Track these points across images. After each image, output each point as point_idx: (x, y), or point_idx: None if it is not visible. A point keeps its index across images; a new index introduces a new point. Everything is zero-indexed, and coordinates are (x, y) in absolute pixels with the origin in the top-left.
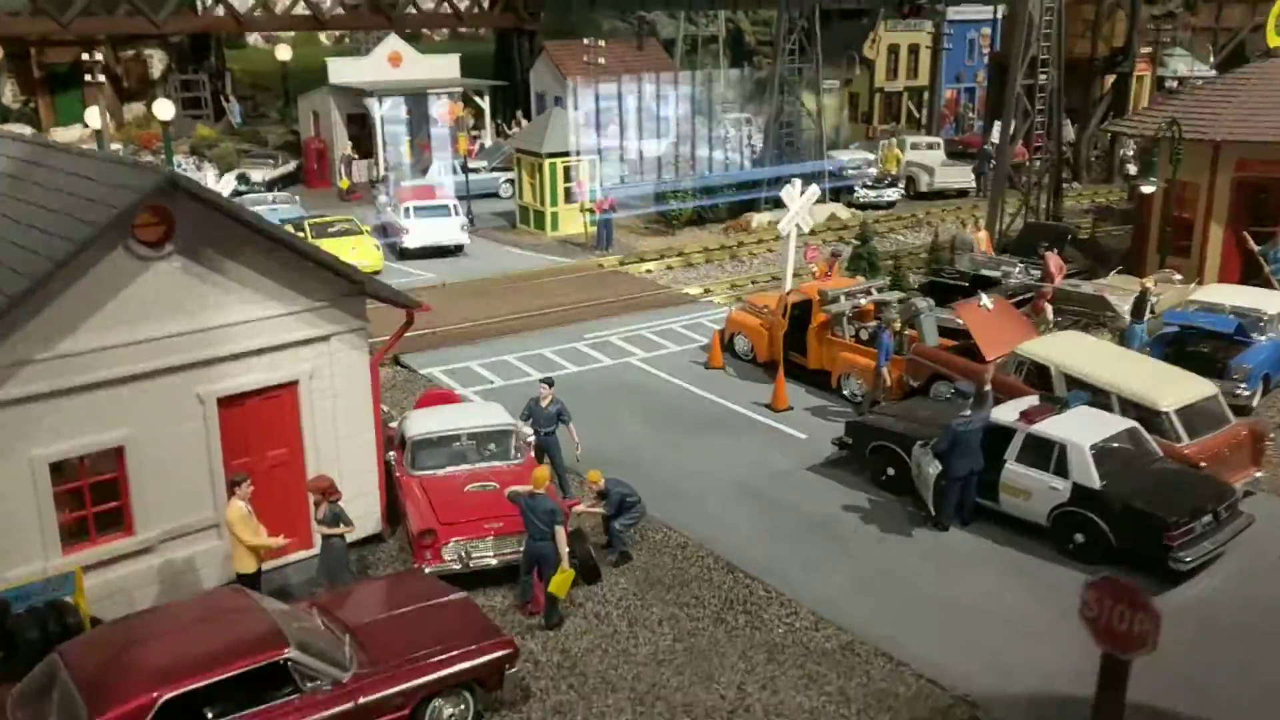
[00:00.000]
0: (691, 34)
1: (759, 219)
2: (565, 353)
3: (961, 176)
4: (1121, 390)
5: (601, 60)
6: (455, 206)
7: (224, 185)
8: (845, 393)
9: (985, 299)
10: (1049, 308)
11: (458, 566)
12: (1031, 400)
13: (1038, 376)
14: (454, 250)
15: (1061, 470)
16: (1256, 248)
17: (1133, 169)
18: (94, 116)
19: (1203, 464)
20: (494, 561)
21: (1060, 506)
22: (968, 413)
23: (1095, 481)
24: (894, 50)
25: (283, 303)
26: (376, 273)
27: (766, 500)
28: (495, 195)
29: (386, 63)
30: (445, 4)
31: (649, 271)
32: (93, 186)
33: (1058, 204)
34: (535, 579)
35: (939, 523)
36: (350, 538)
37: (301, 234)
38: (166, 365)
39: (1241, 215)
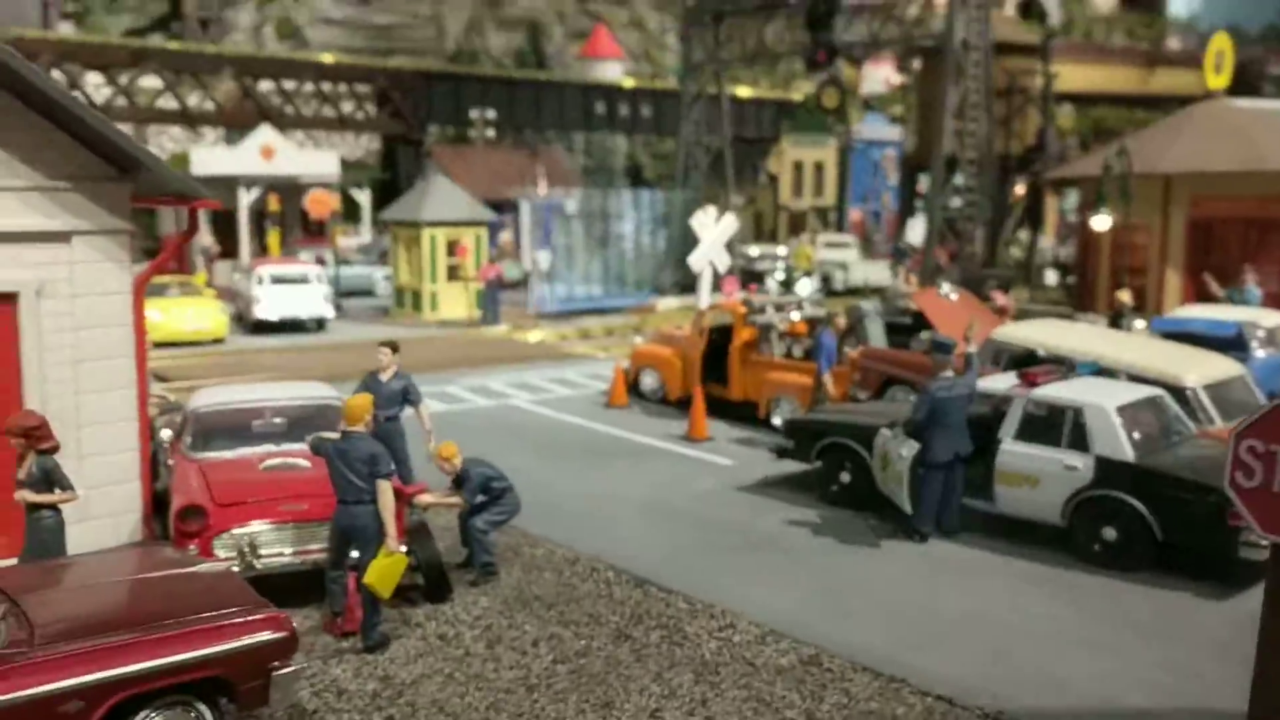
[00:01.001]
0: (589, 166)
1: (665, 303)
2: (434, 394)
3: (878, 273)
4: (1134, 367)
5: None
6: (319, 276)
7: None
8: (776, 422)
9: (947, 287)
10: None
11: (237, 566)
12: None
13: (1021, 368)
14: (315, 326)
15: (1079, 443)
16: (1221, 291)
17: (1052, 274)
18: None
19: None
20: (295, 559)
21: (1081, 492)
22: (949, 374)
23: (1128, 452)
24: (799, 167)
25: None
26: (219, 340)
27: (689, 518)
28: (370, 293)
29: (258, 154)
30: (327, 106)
31: (542, 341)
32: None
33: (994, 256)
34: (351, 583)
35: (916, 530)
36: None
37: None
38: None
39: (1198, 258)
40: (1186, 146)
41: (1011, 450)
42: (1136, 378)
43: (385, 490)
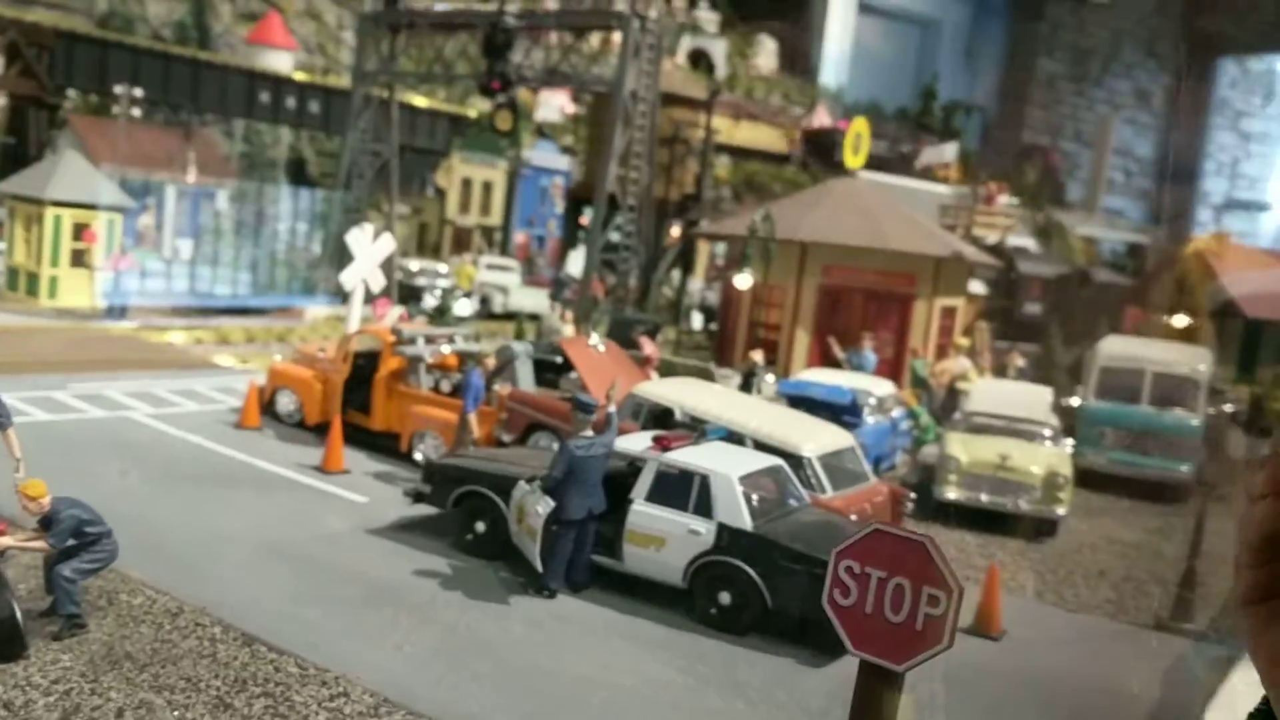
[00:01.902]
0: (247, 152)
1: (314, 311)
2: (37, 400)
3: (537, 301)
4: (758, 433)
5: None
6: None
7: None
8: (417, 456)
9: (596, 339)
10: (655, 375)
11: None
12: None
13: (660, 424)
14: None
15: (704, 509)
16: (842, 354)
17: (698, 317)
18: None
19: (852, 518)
20: None
21: (702, 556)
22: (589, 433)
23: (746, 521)
24: (467, 184)
25: None
26: None
27: (313, 563)
28: None
29: None
30: None
31: (172, 344)
32: None
33: (646, 295)
34: None
35: (545, 586)
36: None
37: None
38: None
39: (826, 321)
40: (822, 218)
41: (642, 511)
42: (761, 444)
43: None
